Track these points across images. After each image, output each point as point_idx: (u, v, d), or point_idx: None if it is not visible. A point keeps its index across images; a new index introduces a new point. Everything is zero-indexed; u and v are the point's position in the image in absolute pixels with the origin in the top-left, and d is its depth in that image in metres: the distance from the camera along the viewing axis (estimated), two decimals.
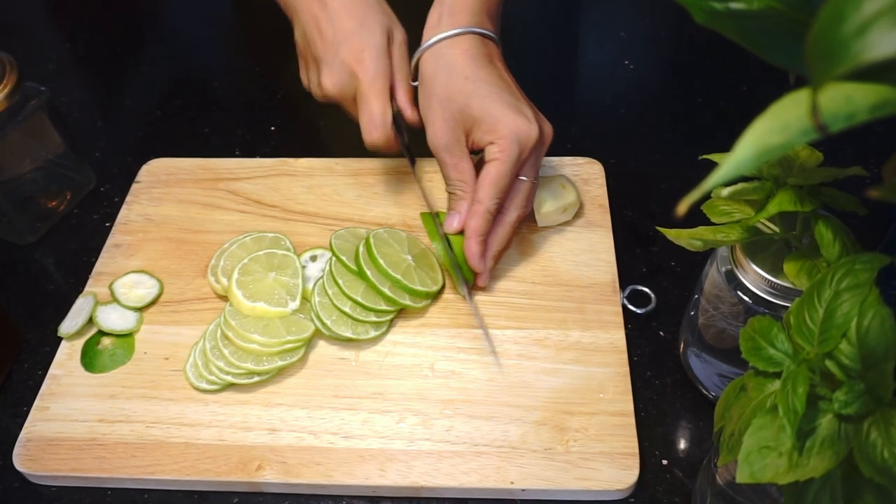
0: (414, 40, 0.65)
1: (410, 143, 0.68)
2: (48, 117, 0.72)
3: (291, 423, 0.58)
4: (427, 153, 0.64)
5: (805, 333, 0.37)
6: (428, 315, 0.64)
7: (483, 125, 0.60)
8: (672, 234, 0.49)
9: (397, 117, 0.65)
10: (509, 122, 0.59)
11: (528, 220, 0.68)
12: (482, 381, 0.60)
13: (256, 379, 0.60)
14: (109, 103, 0.91)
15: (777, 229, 0.48)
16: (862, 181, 0.41)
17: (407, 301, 0.62)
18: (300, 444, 0.57)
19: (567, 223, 0.69)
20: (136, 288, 0.67)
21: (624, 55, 0.90)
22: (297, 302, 0.62)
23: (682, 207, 0.23)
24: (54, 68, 0.94)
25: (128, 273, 0.68)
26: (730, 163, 0.23)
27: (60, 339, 0.64)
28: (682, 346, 0.60)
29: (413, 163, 0.69)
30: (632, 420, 0.57)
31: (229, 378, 0.59)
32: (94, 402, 0.60)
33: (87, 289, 0.68)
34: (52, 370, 0.62)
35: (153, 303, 0.66)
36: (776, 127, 0.22)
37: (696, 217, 0.46)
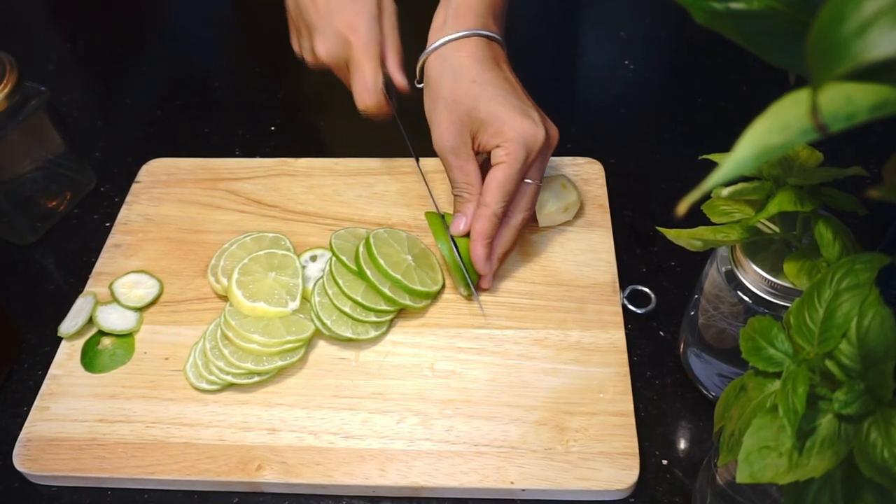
0: (416, 41, 0.65)
1: (400, 109, 0.68)
2: (48, 117, 0.72)
3: (291, 423, 0.58)
4: (430, 153, 0.64)
5: (805, 333, 0.37)
6: (428, 315, 0.64)
7: (490, 128, 0.60)
8: (672, 234, 0.49)
9: (388, 83, 0.65)
10: (516, 125, 0.59)
11: (529, 220, 0.68)
12: (482, 381, 0.60)
13: (256, 379, 0.60)
14: (109, 103, 0.91)
15: (777, 229, 0.48)
16: (862, 181, 0.41)
17: (407, 301, 0.62)
18: (300, 444, 0.57)
19: (567, 223, 0.69)
20: (136, 288, 0.67)
21: (624, 55, 0.90)
22: (297, 302, 0.62)
23: (682, 207, 0.23)
24: (54, 68, 0.94)
25: (128, 273, 0.68)
26: (730, 163, 0.23)
27: (60, 339, 0.64)
28: (682, 346, 0.60)
29: (404, 131, 0.69)
30: (632, 420, 0.57)
31: (229, 378, 0.59)
32: (94, 402, 0.60)
33: (87, 289, 0.68)
34: (52, 370, 0.62)
35: (153, 303, 0.66)
36: (776, 127, 0.22)
37: (696, 217, 0.46)
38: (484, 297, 0.65)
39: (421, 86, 0.65)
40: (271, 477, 0.55)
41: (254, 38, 0.99)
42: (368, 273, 0.62)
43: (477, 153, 0.63)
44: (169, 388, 0.60)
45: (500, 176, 0.60)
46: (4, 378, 0.64)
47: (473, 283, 0.63)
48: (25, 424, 0.59)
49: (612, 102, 0.85)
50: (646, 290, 0.65)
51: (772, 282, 0.47)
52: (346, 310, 0.61)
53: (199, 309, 0.66)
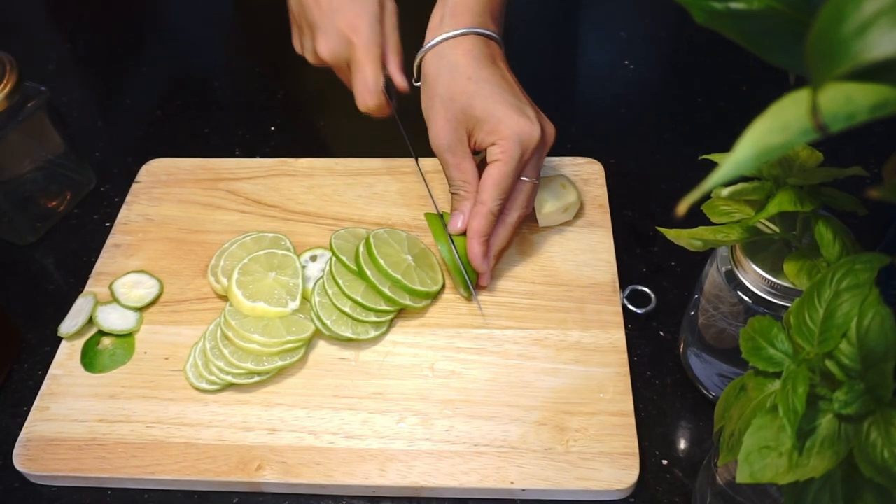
0: (416, 40, 0.65)
1: (400, 108, 0.68)
2: (48, 117, 0.72)
3: (291, 423, 0.58)
4: (429, 153, 0.64)
5: (805, 333, 0.37)
6: (428, 315, 0.64)
7: (485, 126, 0.60)
8: (672, 234, 0.49)
9: (389, 84, 0.66)
10: (512, 122, 0.59)
11: (529, 220, 0.68)
12: (482, 381, 0.60)
13: (256, 379, 0.60)
14: (109, 103, 0.91)
15: (777, 229, 0.48)
16: (862, 181, 0.41)
17: (407, 301, 0.62)
18: (300, 444, 0.57)
19: (567, 223, 0.69)
20: (136, 288, 0.67)
21: (624, 55, 0.90)
22: (297, 302, 0.62)
23: (682, 207, 0.23)
24: (54, 68, 0.94)
25: (128, 273, 0.68)
26: (730, 163, 0.23)
27: (60, 339, 0.64)
28: (682, 346, 0.60)
29: (405, 135, 0.69)
30: (632, 420, 0.57)
31: (229, 378, 0.59)
32: (94, 402, 0.60)
33: (87, 289, 0.68)
34: (52, 370, 0.62)
35: (153, 303, 0.66)
36: (776, 127, 0.22)
37: (696, 217, 0.46)
38: (484, 297, 0.65)
39: (418, 84, 0.65)
40: (271, 477, 0.55)
41: (254, 38, 0.99)
42: (368, 273, 0.62)
43: (474, 151, 0.63)
44: (169, 388, 0.60)
45: (495, 173, 0.60)
46: (4, 378, 0.64)
47: (472, 283, 0.63)
48: (25, 424, 0.59)
49: (612, 102, 0.85)
50: (646, 290, 0.65)
51: (772, 282, 0.47)
52: (346, 310, 0.61)
53: (199, 309, 0.66)
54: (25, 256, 0.73)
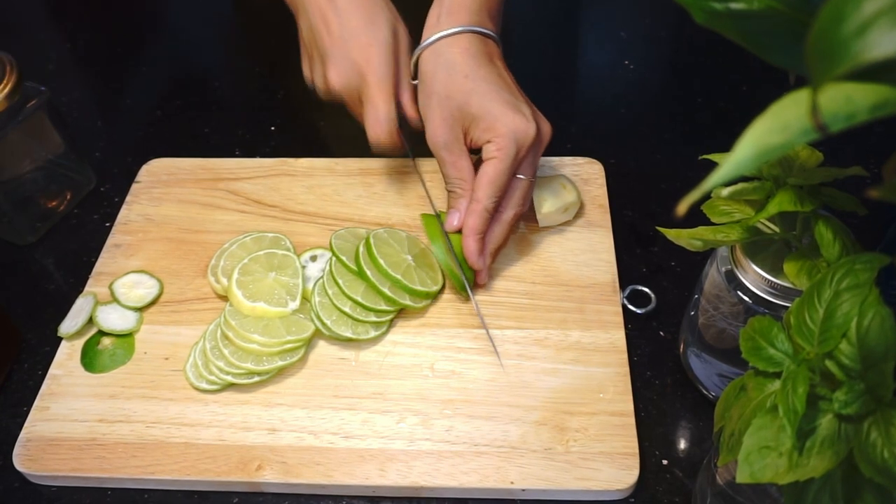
0: (414, 39, 0.65)
1: (412, 143, 0.68)
2: (48, 117, 0.72)
3: (291, 423, 0.58)
4: (427, 153, 0.64)
5: (805, 333, 0.37)
6: (428, 315, 0.64)
7: (481, 123, 0.60)
8: (672, 234, 0.49)
9: (401, 119, 0.65)
10: (507, 120, 0.59)
11: (528, 220, 0.68)
12: (482, 381, 0.60)
13: (256, 379, 0.60)
14: (109, 103, 0.91)
15: (777, 229, 0.48)
16: (862, 181, 0.41)
17: (407, 301, 0.62)
18: (300, 444, 0.57)
19: (567, 223, 0.69)
20: (136, 288, 0.67)
21: (624, 55, 0.90)
22: (297, 302, 0.62)
23: (682, 207, 0.23)
24: (54, 68, 0.94)
25: (128, 273, 0.68)
26: (730, 163, 0.23)
27: (60, 339, 0.64)
28: (682, 346, 0.60)
29: (415, 163, 0.70)
30: (632, 420, 0.57)
31: (229, 378, 0.59)
32: (94, 402, 0.60)
33: (87, 289, 0.68)
34: (52, 370, 0.62)
35: (153, 303, 0.66)
36: (776, 127, 0.22)
37: (696, 217, 0.46)
38: (484, 297, 0.65)
39: (415, 82, 0.65)
40: (271, 477, 0.55)
41: (254, 38, 0.99)
42: (368, 273, 0.62)
43: (470, 149, 0.63)
44: (169, 388, 0.60)
45: (491, 171, 0.60)
46: (4, 378, 0.64)
47: (469, 282, 0.63)
48: (25, 424, 0.59)
49: (612, 102, 0.85)
50: (646, 290, 0.65)
51: (772, 282, 0.47)
52: (346, 310, 0.61)
53: (199, 309, 0.66)
54: (25, 256, 0.73)
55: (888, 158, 0.31)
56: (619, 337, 0.62)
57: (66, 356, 0.63)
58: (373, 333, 0.62)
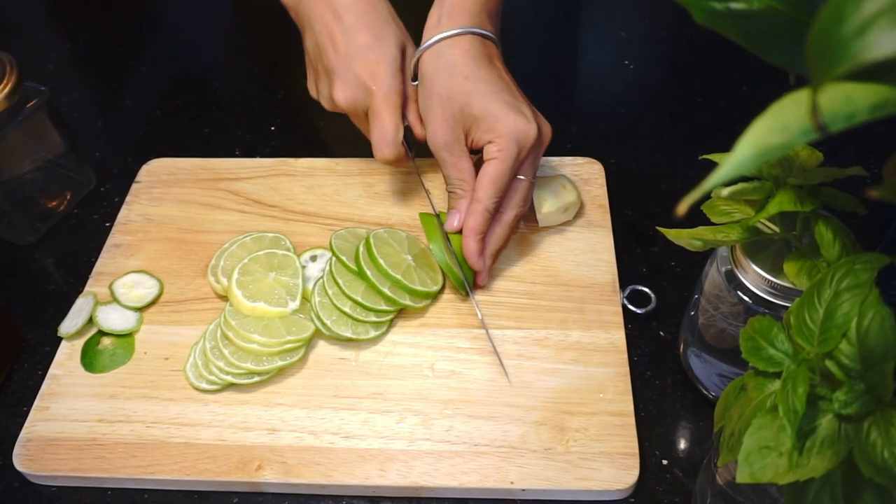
0: (414, 40, 0.65)
1: (415, 147, 0.68)
2: (48, 117, 0.72)
3: (291, 423, 0.58)
4: (427, 153, 0.64)
5: (805, 333, 0.37)
6: (428, 315, 0.64)
7: (482, 124, 0.60)
8: (672, 234, 0.49)
9: (407, 133, 0.65)
10: (508, 121, 0.59)
11: (528, 220, 0.68)
12: (482, 381, 0.60)
13: (256, 379, 0.60)
14: (109, 103, 0.91)
15: (777, 229, 0.48)
16: (862, 181, 0.41)
17: (407, 301, 0.62)
18: (300, 444, 0.57)
19: (567, 223, 0.69)
20: (136, 288, 0.67)
21: (624, 55, 0.90)
22: (297, 302, 0.62)
23: (682, 207, 0.23)
24: (54, 68, 0.94)
25: (128, 273, 0.68)
26: (730, 163, 0.23)
27: (60, 339, 0.64)
28: (682, 346, 0.60)
29: (415, 163, 0.70)
30: (632, 420, 0.57)
31: (229, 378, 0.59)
32: (94, 402, 0.60)
33: (87, 289, 0.68)
34: (52, 370, 0.62)
35: (153, 303, 0.66)
36: (776, 127, 0.22)
37: (696, 217, 0.46)
38: (484, 297, 0.65)
39: (416, 83, 0.65)
40: (271, 477, 0.55)
41: (254, 38, 0.99)
42: (368, 273, 0.62)
43: (471, 150, 0.63)
44: (169, 388, 0.60)
45: (492, 171, 0.60)
46: (4, 378, 0.64)
47: (469, 281, 0.63)
48: (25, 424, 0.59)
49: (612, 102, 0.85)
50: (646, 290, 0.65)
51: (772, 282, 0.47)
52: (346, 310, 0.61)
53: (199, 309, 0.66)
54: (25, 256, 0.73)
55: (888, 158, 0.31)
56: (619, 337, 0.62)
57: (66, 356, 0.63)
58: (373, 333, 0.62)
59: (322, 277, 0.64)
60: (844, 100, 0.22)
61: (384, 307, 0.62)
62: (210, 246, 0.69)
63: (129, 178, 0.77)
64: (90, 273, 0.69)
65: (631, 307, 0.64)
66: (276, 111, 0.86)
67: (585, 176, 0.74)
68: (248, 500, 0.56)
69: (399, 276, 0.62)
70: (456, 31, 0.61)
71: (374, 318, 0.62)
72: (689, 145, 0.78)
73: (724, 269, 0.51)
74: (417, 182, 0.73)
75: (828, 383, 0.36)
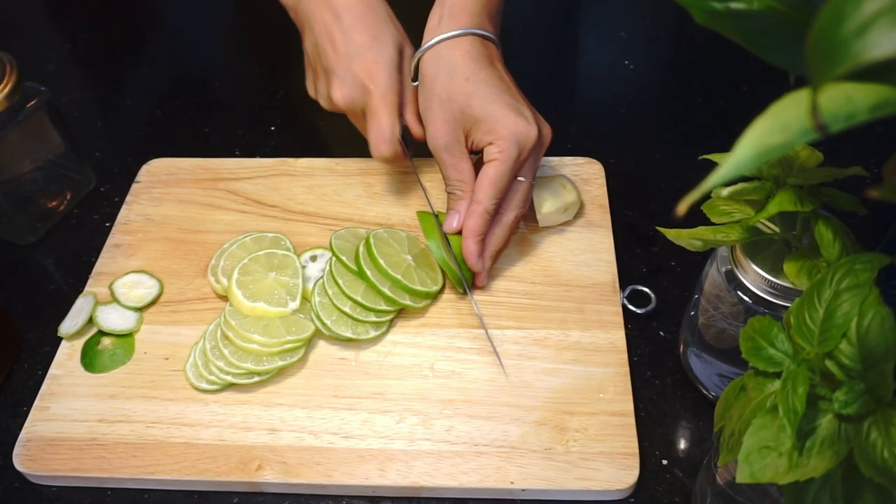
0: (414, 41, 0.65)
1: (413, 146, 0.68)
2: (48, 117, 0.72)
3: (291, 423, 0.58)
4: (426, 153, 0.64)
5: (805, 333, 0.37)
6: (428, 315, 0.64)
7: (483, 126, 0.60)
8: (672, 234, 0.49)
9: (405, 132, 0.65)
10: (509, 122, 0.59)
11: (528, 220, 0.68)
12: (482, 381, 0.60)
13: (256, 379, 0.60)
14: (109, 103, 0.91)
15: (777, 229, 0.48)
16: (862, 181, 0.41)
17: (407, 301, 0.62)
18: (300, 444, 0.57)
19: (567, 223, 0.69)
20: (136, 288, 0.67)
21: (624, 55, 0.90)
22: (297, 302, 0.62)
23: (682, 207, 0.23)
24: (54, 68, 0.94)
25: (128, 273, 0.68)
26: (730, 163, 0.23)
27: (60, 339, 0.64)
28: (682, 346, 0.60)
29: (413, 164, 0.70)
30: (632, 420, 0.57)
31: (229, 378, 0.59)
32: (94, 402, 0.60)
33: (87, 289, 0.68)
34: (52, 370, 0.62)
35: (153, 303, 0.66)
36: (776, 127, 0.22)
37: (696, 217, 0.46)
38: (484, 297, 0.65)
39: (416, 84, 0.65)
40: (271, 477, 0.55)
41: (254, 38, 0.99)
42: (368, 273, 0.62)
43: (470, 151, 0.63)
44: (169, 388, 0.60)
45: (492, 173, 0.60)
46: (4, 378, 0.64)
47: (468, 281, 0.63)
48: (25, 424, 0.59)
49: (612, 102, 0.85)
50: (646, 290, 0.65)
51: (772, 282, 0.47)
52: (346, 310, 0.61)
53: (199, 309, 0.66)
54: (25, 256, 0.73)
55: (888, 158, 0.31)
56: (619, 337, 0.62)
57: (66, 356, 0.63)
58: (373, 333, 0.62)
59: (322, 277, 0.64)
60: (844, 100, 0.22)
61: (384, 307, 0.62)
62: (210, 246, 0.69)
63: (129, 178, 0.77)
64: (90, 273, 0.69)
65: (631, 307, 0.64)
66: (276, 111, 0.86)
67: (585, 176, 0.74)
68: (248, 500, 0.56)
69: (399, 276, 0.62)
70: (456, 33, 0.61)
71: (374, 318, 0.62)
72: (689, 145, 0.78)
73: (724, 269, 0.51)
74: (416, 182, 0.73)
75: (828, 383, 0.36)
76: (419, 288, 0.63)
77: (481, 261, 0.62)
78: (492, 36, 0.63)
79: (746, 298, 0.49)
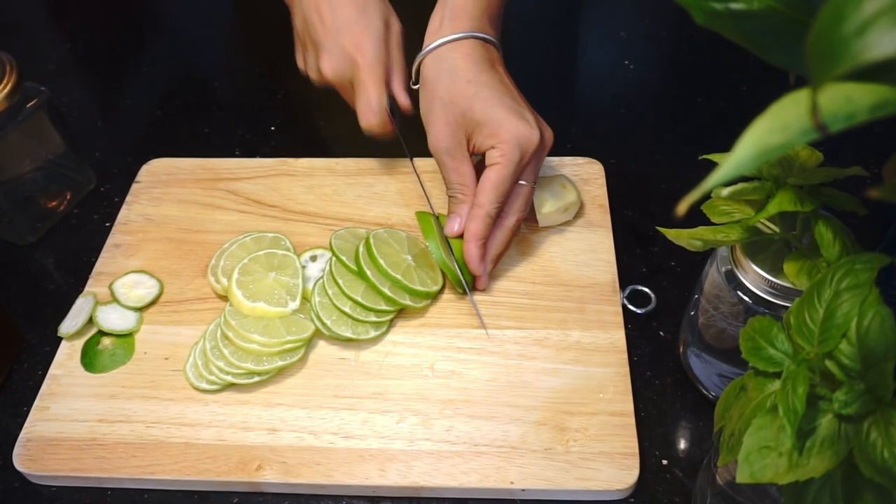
0: (415, 44, 0.65)
1: (402, 128, 0.68)
2: (48, 117, 0.72)
3: (291, 423, 0.58)
4: (425, 153, 0.64)
5: (805, 333, 0.37)
6: (428, 315, 0.64)
7: (485, 129, 0.60)
8: (672, 234, 0.49)
9: (392, 103, 0.66)
10: (511, 126, 0.59)
11: (528, 220, 0.68)
12: (482, 381, 0.60)
13: (256, 379, 0.60)
14: (109, 103, 0.91)
15: (777, 229, 0.48)
16: (862, 181, 0.41)
17: (407, 301, 0.62)
18: (300, 444, 0.57)
19: (567, 223, 0.69)
20: (136, 288, 0.67)
21: (624, 55, 0.90)
22: (297, 302, 0.62)
23: (682, 207, 0.23)
24: (54, 68, 0.94)
25: (128, 273, 0.68)
26: (730, 163, 0.23)
27: (60, 339, 0.64)
28: (682, 346, 0.60)
29: (405, 146, 0.70)
30: (632, 420, 0.57)
31: (229, 378, 0.59)
32: (94, 402, 0.60)
33: (87, 289, 0.68)
34: (52, 370, 0.62)
35: (153, 303, 0.66)
36: (776, 127, 0.22)
37: (696, 217, 0.46)
38: (484, 297, 0.65)
39: (417, 87, 0.65)
40: (271, 477, 0.55)
41: (254, 38, 0.99)
42: (368, 273, 0.62)
43: (472, 154, 0.63)
44: (169, 388, 0.60)
45: (494, 177, 0.60)
46: (4, 378, 0.64)
47: (468, 284, 0.64)
48: (25, 424, 0.59)
49: (612, 102, 0.85)
50: (646, 290, 0.65)
51: (772, 282, 0.47)
52: (346, 310, 0.61)
53: (199, 309, 0.66)
54: (25, 256, 0.73)
55: (888, 158, 0.31)
56: (619, 337, 0.62)
57: (66, 356, 0.63)
58: (373, 333, 0.62)
59: (322, 277, 0.64)
60: (844, 100, 0.22)
61: (384, 307, 0.62)
62: (210, 246, 0.69)
63: (129, 178, 0.77)
64: (90, 273, 0.69)
65: (631, 307, 0.64)
66: (276, 111, 0.86)
67: (585, 176, 0.74)
68: (248, 500, 0.56)
69: (399, 276, 0.62)
70: (458, 36, 0.61)
71: (374, 318, 0.62)
72: (689, 145, 0.78)
73: (724, 269, 0.51)
74: (417, 182, 0.73)
75: (828, 383, 0.36)
76: (419, 288, 0.63)
77: (483, 264, 0.62)
78: (493, 39, 0.63)
79: (746, 298, 0.49)
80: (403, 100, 0.66)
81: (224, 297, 0.65)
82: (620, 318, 0.63)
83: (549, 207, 0.67)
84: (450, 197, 0.63)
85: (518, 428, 0.57)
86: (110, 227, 0.73)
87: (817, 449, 0.35)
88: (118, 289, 0.66)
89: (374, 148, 0.76)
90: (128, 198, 0.75)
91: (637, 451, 0.55)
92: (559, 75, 0.90)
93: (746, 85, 0.85)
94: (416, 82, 0.65)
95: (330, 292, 0.62)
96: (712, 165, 0.26)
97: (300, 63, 0.70)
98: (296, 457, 0.56)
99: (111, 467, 0.56)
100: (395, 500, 0.56)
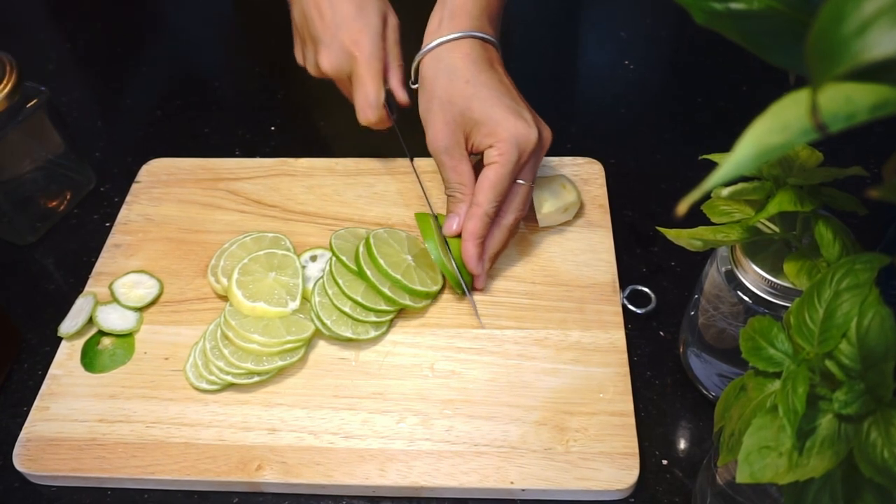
0: (414, 43, 0.65)
1: (401, 127, 0.68)
2: (48, 117, 0.72)
3: (291, 423, 0.58)
4: (424, 152, 0.64)
5: (805, 333, 0.37)
6: (428, 315, 0.64)
7: (483, 128, 0.60)
8: (672, 234, 0.49)
9: (389, 98, 0.66)
10: (509, 125, 0.59)
11: (528, 219, 0.68)
12: (482, 381, 0.60)
13: (256, 379, 0.60)
14: (109, 103, 0.91)
15: (777, 229, 0.48)
16: (862, 181, 0.41)
17: (407, 301, 0.62)
18: (300, 444, 0.57)
19: (567, 223, 0.69)
20: (136, 288, 0.67)
21: (624, 55, 0.90)
22: (297, 302, 0.62)
23: (682, 207, 0.23)
24: (54, 68, 0.94)
25: (128, 273, 0.68)
26: (730, 163, 0.23)
27: (60, 339, 0.64)
28: (682, 346, 0.60)
29: (405, 146, 0.70)
30: (632, 420, 0.57)
31: (229, 378, 0.59)
32: (94, 402, 0.60)
33: (87, 289, 0.68)
34: (52, 370, 0.62)
35: (153, 303, 0.66)
36: (776, 127, 0.22)
37: (696, 217, 0.46)
38: (484, 297, 0.65)
39: (416, 86, 0.65)
40: (271, 477, 0.55)
41: (254, 38, 0.99)
42: (368, 273, 0.62)
43: (470, 154, 0.63)
44: (169, 388, 0.60)
45: (492, 176, 0.60)
46: (4, 378, 0.64)
47: (466, 283, 0.64)
48: (25, 424, 0.59)
49: (612, 102, 0.85)
50: (646, 290, 0.65)
51: (772, 282, 0.47)
52: (346, 310, 0.61)
53: (199, 309, 0.66)
54: (25, 256, 0.73)
55: (888, 158, 0.31)
56: (619, 337, 0.62)
57: (66, 356, 0.63)
58: (373, 333, 0.62)
59: (322, 277, 0.64)
60: (844, 100, 0.22)
61: (384, 307, 0.62)
62: (210, 246, 0.69)
63: (129, 178, 0.77)
64: (90, 273, 0.69)
65: (631, 307, 0.64)
66: (276, 111, 0.86)
67: (585, 176, 0.74)
68: (248, 500, 0.56)
69: (399, 276, 0.62)
70: (457, 35, 0.61)
71: (374, 318, 0.62)
72: (689, 145, 0.78)
73: (724, 269, 0.51)
74: (416, 182, 0.73)
75: (828, 383, 0.36)
76: (419, 288, 0.63)
77: (481, 264, 0.62)
78: (492, 39, 0.63)
79: (746, 298, 0.49)
80: (401, 95, 0.67)
81: (224, 297, 0.65)
82: (620, 318, 0.63)
83: (548, 207, 0.67)
84: (448, 196, 0.63)
85: (518, 428, 0.57)
86: (110, 227, 0.73)
87: (817, 449, 0.35)
88: (118, 289, 0.66)
89: (374, 148, 0.76)
90: (128, 198, 0.75)
91: (637, 451, 0.55)
92: (559, 75, 0.90)
93: (746, 85, 0.85)
94: (415, 81, 0.65)
95: (330, 292, 0.62)
96: (712, 165, 0.26)
97: (298, 57, 0.71)
98: (296, 457, 0.56)
99: (111, 467, 0.56)
100: (395, 500, 0.56)
